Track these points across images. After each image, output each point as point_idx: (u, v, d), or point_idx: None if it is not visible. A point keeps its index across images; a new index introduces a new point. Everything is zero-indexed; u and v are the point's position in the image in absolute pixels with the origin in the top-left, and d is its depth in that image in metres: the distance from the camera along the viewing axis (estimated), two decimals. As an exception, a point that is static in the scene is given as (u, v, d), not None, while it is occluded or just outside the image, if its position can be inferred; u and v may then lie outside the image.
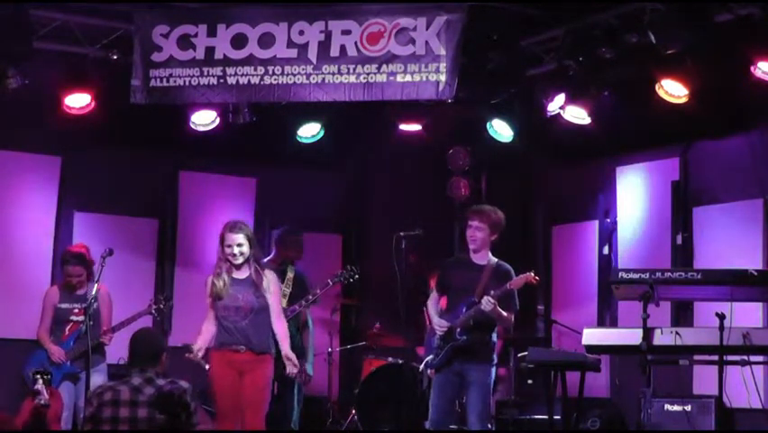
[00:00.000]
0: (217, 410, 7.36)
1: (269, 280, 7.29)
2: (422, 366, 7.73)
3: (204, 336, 7.34)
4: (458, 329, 7.43)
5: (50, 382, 7.19)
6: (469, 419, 7.46)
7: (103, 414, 5.49)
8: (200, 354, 7.28)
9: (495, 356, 7.58)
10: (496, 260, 7.65)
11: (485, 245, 7.60)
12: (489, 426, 7.62)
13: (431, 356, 7.57)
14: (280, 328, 7.29)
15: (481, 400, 7.38)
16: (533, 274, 7.39)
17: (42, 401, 6.62)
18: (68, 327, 8.24)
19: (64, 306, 8.30)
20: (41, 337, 8.20)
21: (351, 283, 9.00)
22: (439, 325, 7.50)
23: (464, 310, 7.44)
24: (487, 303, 7.28)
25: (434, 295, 7.75)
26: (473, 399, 7.41)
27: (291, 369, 7.27)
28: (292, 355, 7.26)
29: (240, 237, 7.29)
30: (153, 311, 8.68)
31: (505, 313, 7.42)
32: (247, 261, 7.30)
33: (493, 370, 7.52)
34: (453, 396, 7.61)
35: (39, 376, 7.08)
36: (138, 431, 5.48)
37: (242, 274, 7.30)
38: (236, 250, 7.26)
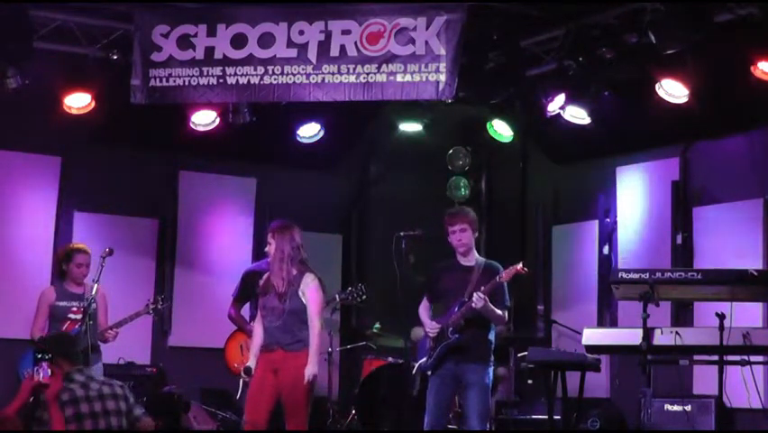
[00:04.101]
0: (247, 407, 7.31)
1: (306, 283, 7.24)
2: (414, 369, 7.69)
3: (253, 350, 7.35)
4: (450, 329, 7.41)
5: (52, 360, 7.20)
6: (468, 420, 7.41)
7: (66, 413, 6.00)
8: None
9: (492, 356, 7.52)
10: (484, 259, 7.64)
11: (472, 246, 7.58)
12: (489, 426, 7.58)
13: (424, 359, 7.55)
14: (311, 334, 7.22)
15: (480, 401, 7.33)
16: (521, 265, 7.36)
17: (43, 380, 6.64)
18: (65, 326, 8.22)
19: (62, 303, 8.28)
20: (36, 337, 8.18)
21: (359, 303, 9.01)
22: (431, 327, 7.47)
23: (456, 310, 7.41)
24: (478, 300, 7.21)
25: (424, 301, 7.72)
26: (472, 400, 7.34)
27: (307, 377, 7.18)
28: (312, 370, 7.10)
29: (268, 236, 7.31)
30: (151, 311, 8.67)
31: (497, 310, 7.36)
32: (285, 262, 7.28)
33: (490, 370, 7.46)
34: (449, 398, 7.57)
35: (41, 354, 7.09)
36: (137, 430, 5.67)
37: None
38: (268, 248, 7.30)
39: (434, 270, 7.68)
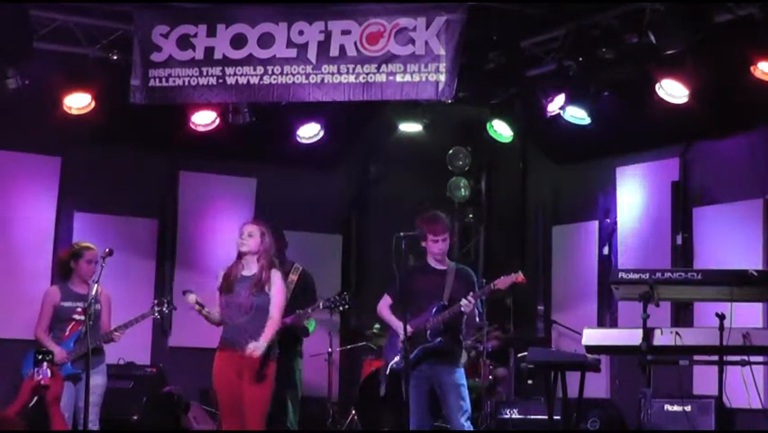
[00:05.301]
0: (220, 410, 7.34)
1: (273, 279, 7.25)
2: (387, 369, 7.70)
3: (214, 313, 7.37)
4: (428, 332, 7.44)
5: (53, 362, 7.15)
6: (452, 421, 7.49)
7: None
8: (196, 305, 7.29)
9: (463, 358, 7.65)
10: (455, 263, 7.75)
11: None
12: (471, 425, 7.61)
13: (396, 358, 7.56)
14: (268, 323, 7.19)
15: (460, 399, 7.45)
16: (521, 276, 7.42)
17: (42, 382, 6.63)
18: (70, 327, 8.19)
19: (67, 304, 8.25)
20: (40, 337, 8.15)
21: (342, 311, 9.01)
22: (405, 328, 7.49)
23: (434, 313, 7.47)
24: (467, 305, 7.34)
25: (386, 298, 7.73)
26: (453, 402, 7.46)
27: (250, 351, 7.14)
28: (258, 345, 7.10)
29: (253, 228, 7.31)
30: (156, 313, 8.67)
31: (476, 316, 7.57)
32: (257, 257, 7.28)
33: (462, 371, 7.58)
34: (428, 397, 7.60)
35: (41, 356, 7.06)
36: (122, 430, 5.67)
37: (248, 271, 7.28)
38: (244, 237, 7.28)
39: (406, 270, 7.56)
